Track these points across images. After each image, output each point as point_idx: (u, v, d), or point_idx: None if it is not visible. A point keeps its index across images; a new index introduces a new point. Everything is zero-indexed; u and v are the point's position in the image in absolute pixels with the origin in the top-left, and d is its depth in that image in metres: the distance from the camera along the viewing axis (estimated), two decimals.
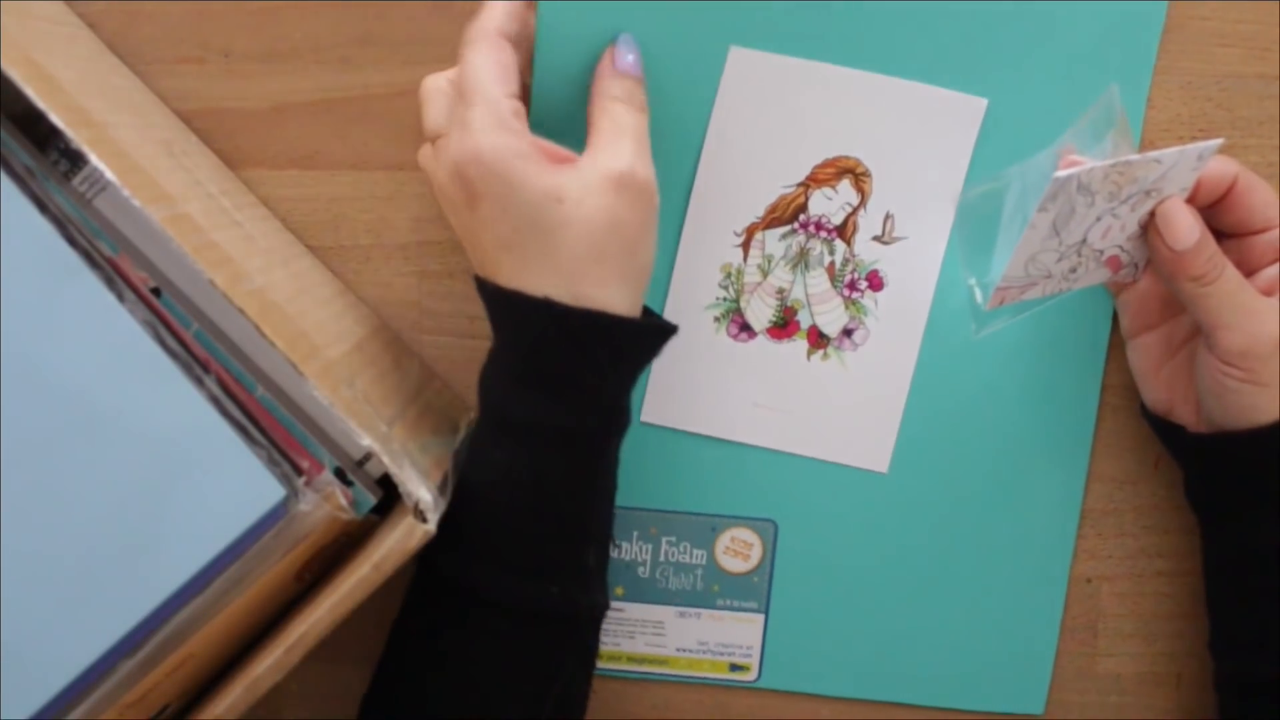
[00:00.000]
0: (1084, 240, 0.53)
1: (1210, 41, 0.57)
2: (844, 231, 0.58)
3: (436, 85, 0.52)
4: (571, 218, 0.48)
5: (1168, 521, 0.61)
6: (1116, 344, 0.59)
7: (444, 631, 0.52)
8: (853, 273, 0.59)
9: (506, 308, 0.50)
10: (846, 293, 0.59)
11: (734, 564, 0.62)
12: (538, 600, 0.51)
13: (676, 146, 0.57)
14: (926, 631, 0.62)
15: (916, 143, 0.57)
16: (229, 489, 0.44)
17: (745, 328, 0.59)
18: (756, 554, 0.61)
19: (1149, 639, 0.62)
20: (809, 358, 0.59)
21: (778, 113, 0.57)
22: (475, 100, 0.49)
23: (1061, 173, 0.50)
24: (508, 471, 0.50)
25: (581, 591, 0.53)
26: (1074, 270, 0.54)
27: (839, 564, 0.61)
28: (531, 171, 0.48)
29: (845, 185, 0.58)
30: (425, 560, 0.52)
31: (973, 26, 0.56)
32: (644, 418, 0.60)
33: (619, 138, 0.50)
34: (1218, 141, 0.51)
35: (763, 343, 0.59)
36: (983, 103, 0.57)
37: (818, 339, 0.59)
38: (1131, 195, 0.51)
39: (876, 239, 0.58)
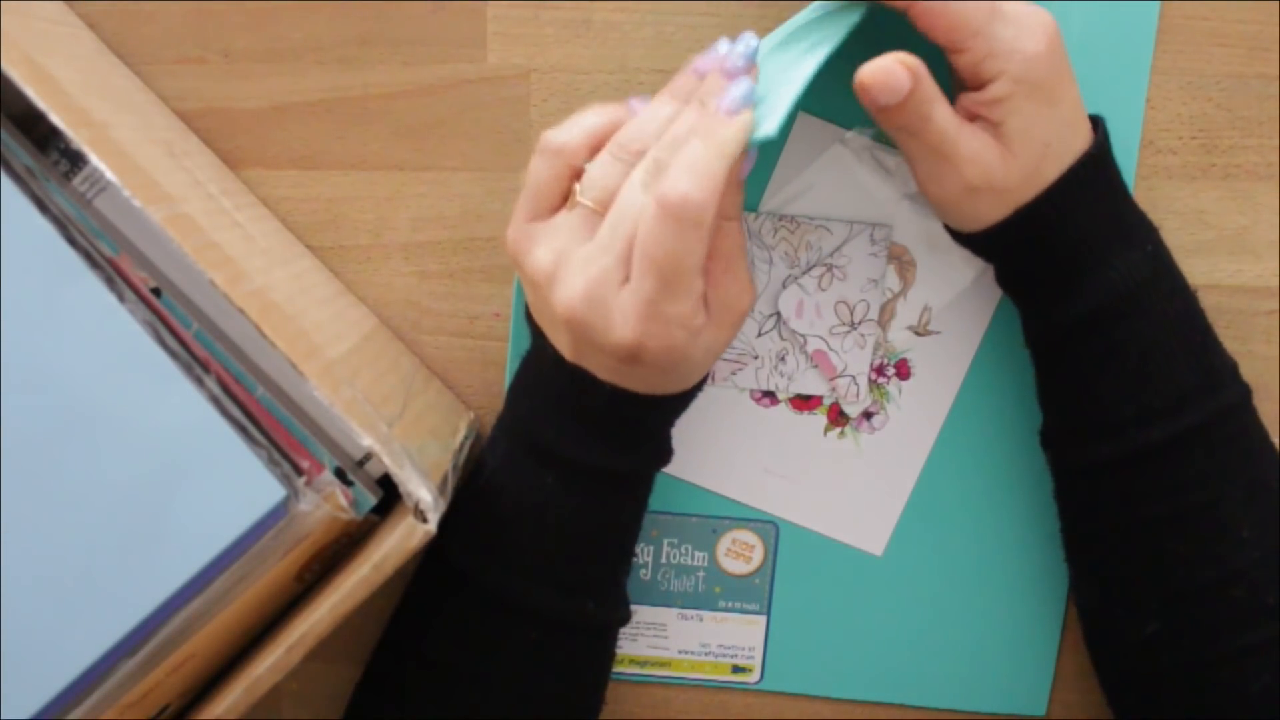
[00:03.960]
0: (778, 314, 0.56)
1: (1210, 41, 0.57)
2: (882, 316, 0.58)
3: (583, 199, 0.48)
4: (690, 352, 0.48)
5: None
6: None
7: (467, 631, 0.52)
8: (883, 357, 0.59)
9: (566, 372, 0.50)
10: (873, 376, 0.59)
11: (736, 566, 0.62)
12: (574, 614, 0.52)
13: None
14: (929, 633, 0.62)
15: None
16: (229, 489, 0.44)
17: (769, 394, 0.59)
18: (758, 556, 0.61)
19: None
20: (826, 433, 0.60)
21: (835, 185, 0.58)
22: (678, 293, 0.46)
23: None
24: (551, 496, 0.51)
25: (613, 607, 0.54)
26: (784, 359, 0.57)
27: (840, 565, 0.61)
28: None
29: (890, 270, 0.58)
30: (443, 558, 0.53)
31: None
32: None
33: (741, 269, 0.49)
34: (889, 228, 0.56)
35: (784, 411, 0.60)
36: None
37: (838, 416, 0.60)
38: (811, 265, 0.55)
39: (911, 329, 0.59)
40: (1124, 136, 0.57)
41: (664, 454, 0.54)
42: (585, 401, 0.49)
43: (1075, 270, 0.50)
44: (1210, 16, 0.56)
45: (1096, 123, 0.51)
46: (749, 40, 0.47)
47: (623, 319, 0.46)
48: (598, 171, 0.47)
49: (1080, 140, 0.50)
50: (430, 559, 0.55)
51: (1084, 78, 0.56)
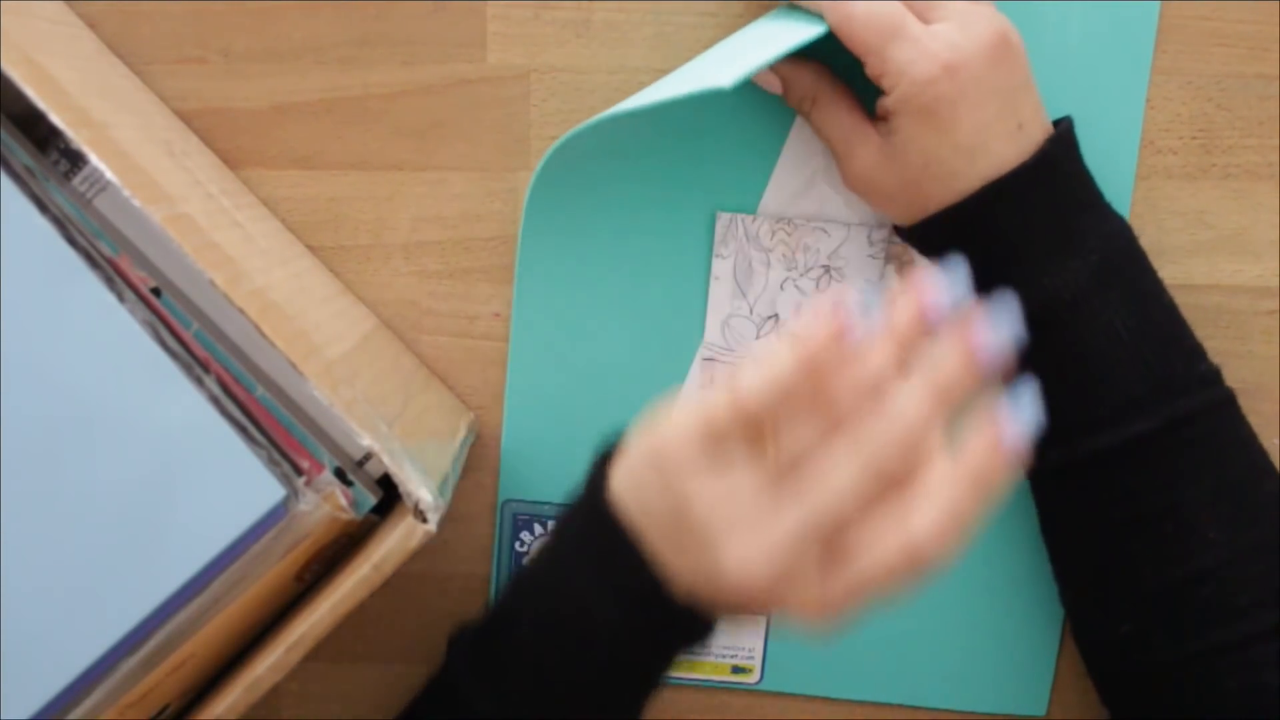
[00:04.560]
0: (776, 317, 0.56)
1: (1210, 41, 0.57)
2: None
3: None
4: None
5: None
6: None
7: None
8: None
9: (666, 603, 0.44)
10: None
11: None
12: None
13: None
14: (929, 633, 0.62)
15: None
16: (229, 489, 0.44)
17: None
18: None
19: None
20: None
21: (837, 184, 0.58)
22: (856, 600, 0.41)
23: (724, 214, 0.56)
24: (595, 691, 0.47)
25: None
26: None
27: None
28: None
29: (890, 271, 0.58)
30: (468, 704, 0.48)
31: None
32: None
33: None
34: (887, 229, 0.57)
35: None
36: None
37: None
38: (810, 268, 0.55)
39: None
40: (1124, 136, 0.57)
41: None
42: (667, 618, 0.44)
43: (1009, 278, 0.51)
44: (1210, 16, 0.56)
45: (1060, 132, 0.52)
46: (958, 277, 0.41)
47: (798, 595, 0.41)
48: (797, 434, 0.41)
49: (990, 162, 0.50)
50: (446, 693, 0.50)
51: (1084, 78, 0.56)
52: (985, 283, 0.51)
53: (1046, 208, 0.51)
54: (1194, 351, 0.53)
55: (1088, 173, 0.53)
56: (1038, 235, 0.51)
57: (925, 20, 0.50)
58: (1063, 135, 0.51)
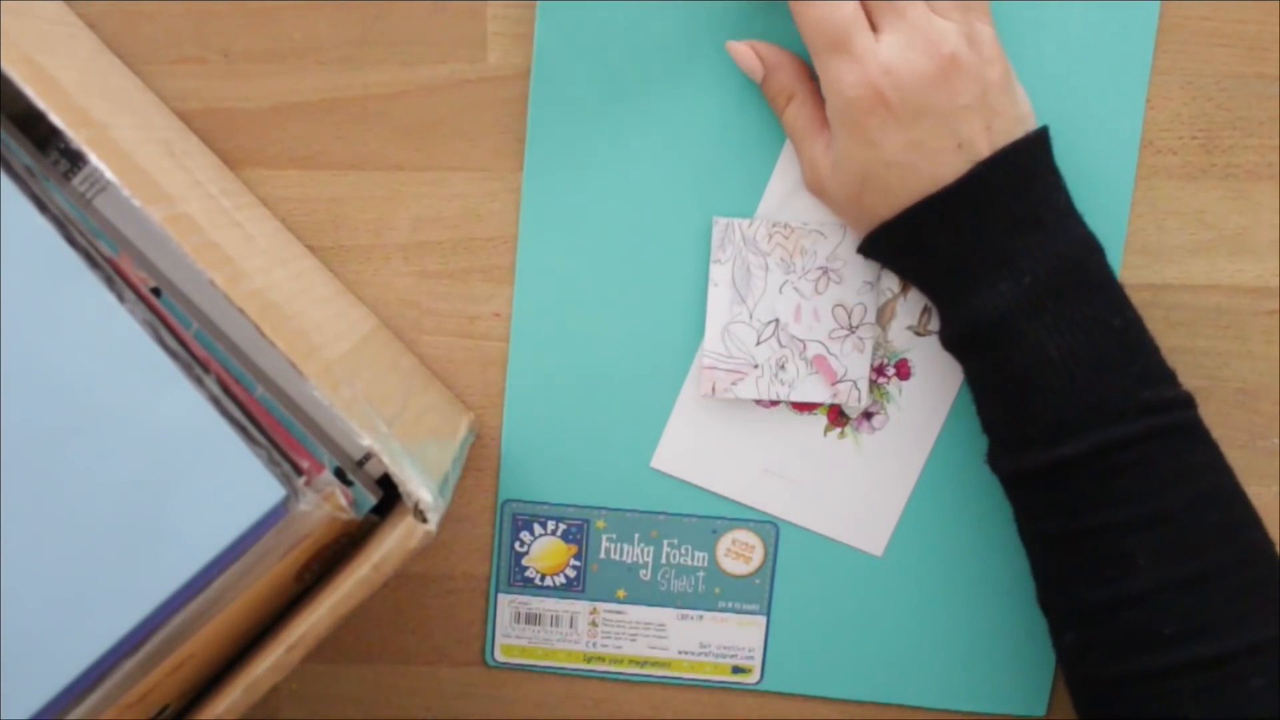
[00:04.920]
0: (777, 321, 0.57)
1: (1210, 41, 0.57)
2: (882, 316, 0.58)
3: None
4: None
5: None
6: None
7: None
8: (883, 358, 0.59)
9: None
10: (874, 376, 0.59)
11: (736, 566, 0.62)
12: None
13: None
14: (929, 633, 0.62)
15: None
16: (229, 489, 0.44)
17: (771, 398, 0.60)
18: (758, 556, 0.61)
19: None
20: (826, 434, 0.60)
21: None
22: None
23: (721, 219, 0.56)
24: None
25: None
26: (783, 367, 0.57)
27: (840, 565, 0.61)
28: None
29: (887, 272, 0.58)
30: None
31: None
32: (653, 464, 0.60)
33: None
34: None
35: (784, 411, 0.60)
36: None
37: (838, 417, 0.60)
38: (808, 270, 0.55)
39: (911, 329, 0.59)
40: (1124, 136, 0.57)
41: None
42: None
43: (945, 295, 0.53)
44: (1210, 16, 0.56)
45: (1004, 151, 0.51)
46: None
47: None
48: None
49: (923, 181, 0.50)
50: None
51: (1084, 78, 0.56)
52: (927, 296, 0.54)
53: (977, 227, 0.51)
54: (1142, 377, 0.51)
55: (1047, 189, 0.51)
56: (968, 255, 0.51)
57: (876, 28, 0.50)
58: (1006, 156, 0.50)
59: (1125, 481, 0.50)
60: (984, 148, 0.50)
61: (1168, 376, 0.52)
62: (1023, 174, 0.51)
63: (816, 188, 0.54)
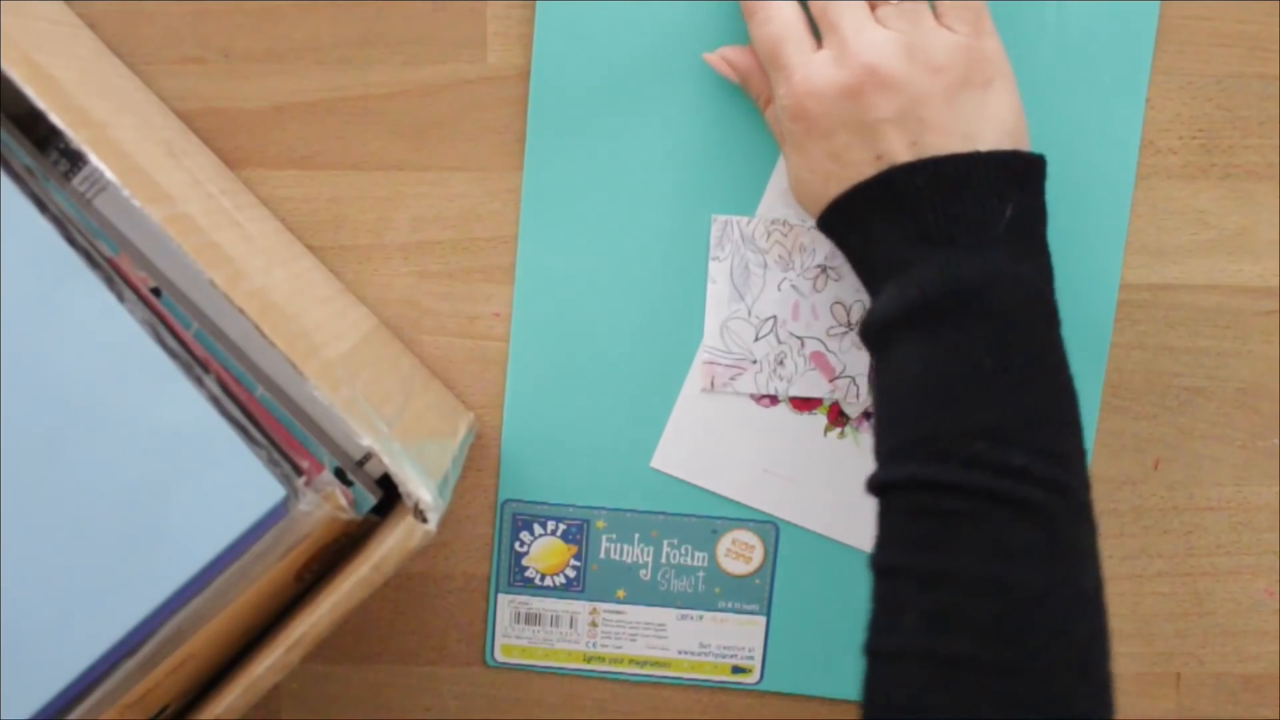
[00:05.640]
0: (775, 318, 0.57)
1: (1210, 41, 0.57)
2: None
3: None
4: None
5: (1168, 521, 0.61)
6: (1117, 344, 0.59)
7: None
8: None
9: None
10: (873, 376, 0.59)
11: (736, 566, 0.62)
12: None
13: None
14: None
15: None
16: (229, 489, 0.44)
17: (769, 394, 0.59)
18: (758, 556, 0.61)
19: (1149, 639, 0.62)
20: (826, 434, 0.60)
21: None
22: None
23: (719, 217, 0.57)
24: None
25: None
26: (782, 363, 0.57)
27: (840, 565, 0.61)
28: None
29: None
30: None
31: None
32: (653, 464, 0.60)
33: None
34: None
35: (784, 411, 0.60)
36: None
37: (838, 416, 0.60)
38: (807, 268, 0.56)
39: None
40: (1124, 136, 0.57)
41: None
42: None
43: (866, 291, 0.52)
44: (1210, 16, 0.56)
45: (924, 162, 0.48)
46: None
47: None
48: None
49: (841, 188, 0.51)
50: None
51: (1084, 78, 0.56)
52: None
53: (883, 230, 0.49)
54: (994, 430, 0.46)
55: (981, 210, 0.48)
56: (873, 256, 0.50)
57: (821, 39, 0.51)
58: (927, 165, 0.48)
59: (924, 528, 0.46)
60: (904, 159, 0.49)
61: (1049, 451, 0.46)
62: (947, 186, 0.48)
63: (791, 188, 0.54)
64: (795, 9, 0.51)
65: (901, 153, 0.49)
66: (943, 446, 0.46)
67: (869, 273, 0.51)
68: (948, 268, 0.47)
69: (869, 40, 0.49)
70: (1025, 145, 0.50)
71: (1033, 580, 0.45)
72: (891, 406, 0.49)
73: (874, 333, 0.50)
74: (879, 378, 0.50)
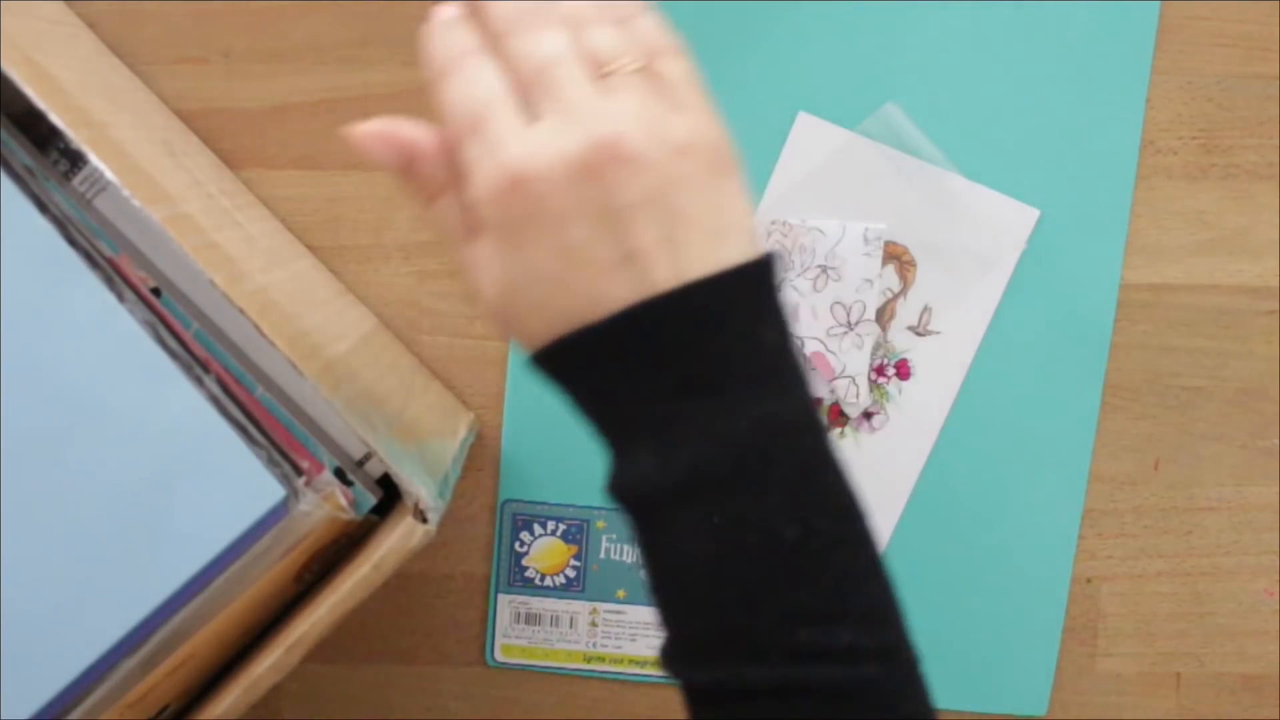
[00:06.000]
0: None
1: (1210, 41, 0.57)
2: (881, 316, 0.58)
3: None
4: None
5: (1168, 521, 0.61)
6: (1117, 344, 0.59)
7: None
8: (883, 358, 0.59)
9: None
10: (874, 376, 0.59)
11: None
12: None
13: None
14: (928, 633, 0.61)
15: (965, 242, 0.58)
16: (229, 489, 0.44)
17: None
18: None
19: (1149, 639, 0.62)
20: None
21: (836, 185, 0.58)
22: None
23: None
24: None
25: None
26: None
27: None
28: None
29: (889, 270, 0.58)
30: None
31: (964, 28, 0.56)
32: None
33: None
34: (882, 225, 0.56)
35: None
36: (1034, 213, 0.57)
37: (838, 416, 0.60)
38: (807, 268, 0.55)
39: (911, 329, 0.59)
40: (1124, 136, 0.57)
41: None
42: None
43: (606, 445, 0.41)
44: (1210, 16, 0.56)
45: (700, 283, 0.37)
46: None
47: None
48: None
49: (580, 302, 0.38)
50: None
51: (1084, 78, 0.56)
52: None
53: (630, 381, 0.38)
54: (806, 611, 0.39)
55: (742, 343, 0.38)
56: (620, 411, 0.39)
57: (533, 107, 0.38)
58: (687, 294, 0.37)
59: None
60: (661, 269, 0.37)
61: (868, 613, 0.40)
62: (707, 320, 0.38)
63: (477, 295, 0.41)
64: (501, 68, 0.39)
65: (655, 253, 0.37)
66: (758, 641, 0.38)
67: (608, 426, 0.40)
68: (720, 425, 0.38)
69: (608, 110, 0.37)
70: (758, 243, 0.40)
71: None
72: (680, 590, 0.40)
73: (635, 503, 0.40)
74: (653, 553, 0.40)
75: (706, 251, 0.38)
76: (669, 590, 0.40)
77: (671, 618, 0.41)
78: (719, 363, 0.38)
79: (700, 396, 0.38)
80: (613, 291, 0.37)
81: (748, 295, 0.39)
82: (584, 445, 0.50)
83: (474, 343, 0.60)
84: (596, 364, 0.39)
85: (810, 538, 0.39)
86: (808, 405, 0.39)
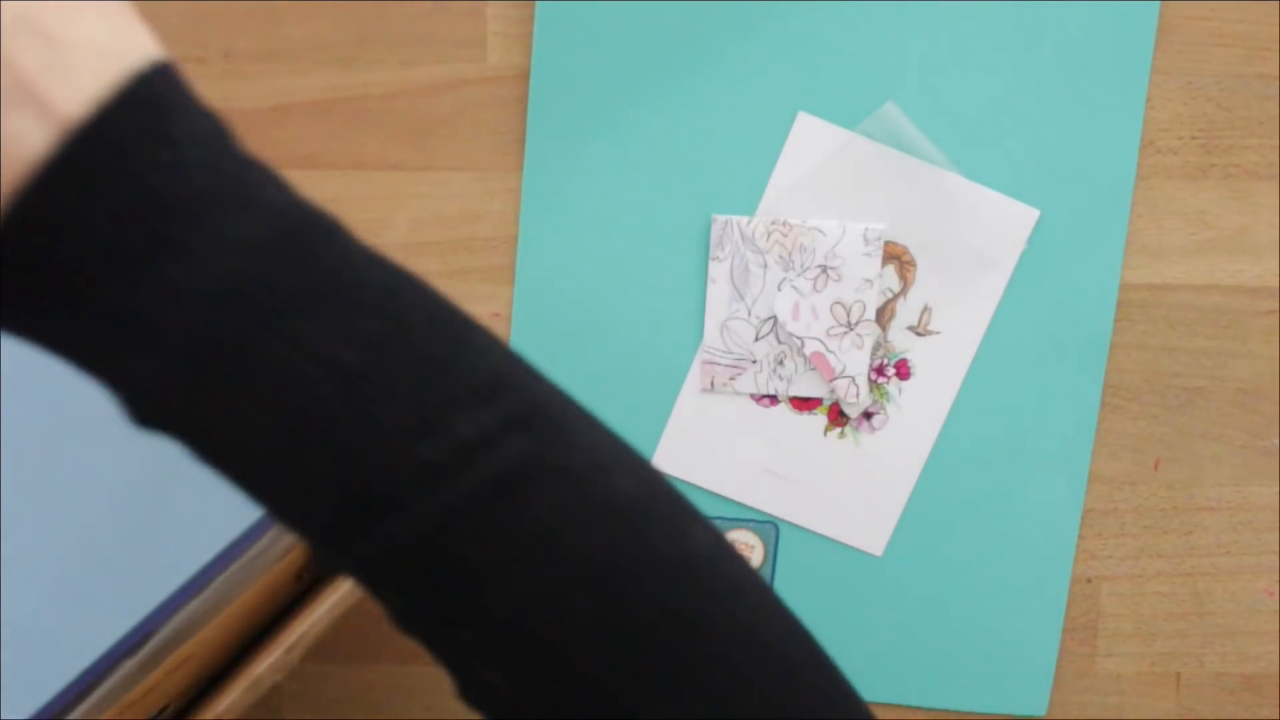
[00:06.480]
0: (774, 318, 0.57)
1: (1210, 41, 0.57)
2: (881, 316, 0.58)
3: None
4: None
5: (1168, 521, 0.61)
6: (1117, 344, 0.59)
7: None
8: (883, 358, 0.59)
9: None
10: (874, 376, 0.59)
11: None
12: None
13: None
14: (928, 633, 0.62)
15: (965, 242, 0.58)
16: (229, 489, 0.44)
17: (769, 394, 0.60)
18: (758, 556, 0.61)
19: (1149, 639, 0.62)
20: (826, 434, 0.60)
21: (836, 185, 0.58)
22: None
23: (719, 217, 0.56)
24: None
25: None
26: (782, 363, 0.57)
27: (840, 565, 0.61)
28: None
29: (889, 271, 0.58)
30: None
31: (964, 28, 0.56)
32: (653, 464, 0.60)
33: None
34: (882, 226, 0.56)
35: (784, 411, 0.60)
36: (1034, 213, 0.57)
37: (838, 416, 0.60)
38: (807, 268, 0.55)
39: (911, 329, 0.59)
40: (1124, 136, 0.57)
41: None
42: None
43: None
44: (1210, 16, 0.56)
45: None
46: None
47: None
48: None
49: None
50: None
51: (1084, 78, 0.56)
52: None
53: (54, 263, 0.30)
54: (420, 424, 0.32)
55: (168, 170, 0.31)
56: (66, 332, 0.33)
57: None
58: (96, 125, 0.30)
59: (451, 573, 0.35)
60: (63, 98, 0.30)
61: (471, 391, 0.34)
62: (121, 153, 0.30)
63: None
64: None
65: (48, 83, 0.30)
66: (383, 486, 0.32)
67: (67, 344, 0.33)
68: (188, 285, 0.31)
69: None
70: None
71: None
72: (282, 484, 0.34)
73: (163, 423, 0.34)
74: (227, 464, 0.34)
75: (101, 70, 0.30)
76: (271, 491, 0.34)
77: (293, 509, 0.34)
78: (141, 221, 0.30)
79: (146, 265, 0.30)
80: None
81: (144, 121, 0.31)
82: None
83: None
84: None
85: (370, 348, 0.32)
86: (274, 213, 0.32)
